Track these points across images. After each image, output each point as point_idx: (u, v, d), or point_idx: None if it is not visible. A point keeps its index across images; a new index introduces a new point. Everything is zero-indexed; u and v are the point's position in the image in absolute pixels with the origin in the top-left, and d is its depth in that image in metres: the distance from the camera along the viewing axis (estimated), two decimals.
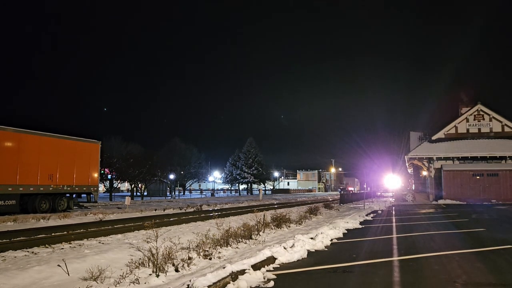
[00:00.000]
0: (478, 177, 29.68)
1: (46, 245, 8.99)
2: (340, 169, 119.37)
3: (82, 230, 11.93)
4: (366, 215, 17.59)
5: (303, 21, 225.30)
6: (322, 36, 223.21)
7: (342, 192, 31.49)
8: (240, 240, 9.18)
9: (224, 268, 5.84)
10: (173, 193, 58.71)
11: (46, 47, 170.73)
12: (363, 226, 13.69)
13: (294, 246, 8.28)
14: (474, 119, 32.67)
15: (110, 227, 12.99)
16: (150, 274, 5.92)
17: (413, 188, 40.77)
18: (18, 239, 10.15)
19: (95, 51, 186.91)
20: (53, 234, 11.14)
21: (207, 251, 7.63)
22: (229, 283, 5.59)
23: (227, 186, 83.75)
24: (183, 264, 6.56)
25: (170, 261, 6.43)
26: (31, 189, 19.01)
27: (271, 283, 5.85)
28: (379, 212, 20.72)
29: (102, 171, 35.83)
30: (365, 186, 37.04)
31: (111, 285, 5.57)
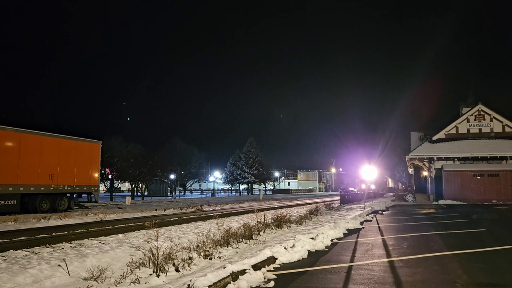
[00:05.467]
0: (478, 177, 29.65)
1: (47, 245, 8.99)
2: (340, 169, 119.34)
3: (82, 230, 11.94)
4: (367, 215, 17.59)
5: (301, 21, 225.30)
6: (322, 36, 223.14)
7: (342, 192, 31.45)
8: (241, 240, 9.18)
9: (224, 268, 5.84)
10: (173, 193, 58.73)
11: (46, 46, 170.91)
12: (364, 226, 13.69)
13: (295, 246, 8.28)
14: (475, 119, 32.62)
15: (110, 227, 13.00)
16: (150, 274, 5.92)
17: (414, 188, 40.75)
18: (19, 239, 10.17)
19: (95, 51, 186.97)
20: (53, 234, 11.16)
21: (208, 251, 7.63)
22: (230, 283, 5.59)
23: (227, 186, 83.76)
24: (184, 264, 6.56)
25: (170, 261, 6.44)
26: (31, 189, 19.02)
27: (272, 283, 5.85)
28: (380, 212, 20.72)
29: (103, 171, 35.86)
30: (365, 186, 36.89)
31: (111, 285, 5.58)
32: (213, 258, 7.39)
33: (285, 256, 7.54)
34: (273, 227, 11.72)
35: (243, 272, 6.02)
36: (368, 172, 23.09)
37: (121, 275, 5.79)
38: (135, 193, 45.83)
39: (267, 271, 6.61)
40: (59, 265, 6.55)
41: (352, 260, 7.61)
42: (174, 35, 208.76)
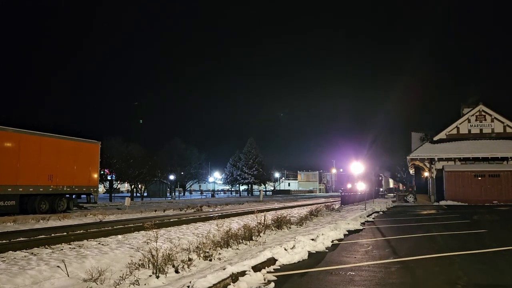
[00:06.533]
0: (479, 178, 29.60)
1: (46, 246, 8.95)
2: (341, 169, 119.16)
3: (82, 231, 11.91)
4: (367, 216, 17.54)
5: (303, 22, 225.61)
6: (322, 36, 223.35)
7: (343, 193, 31.39)
8: (241, 241, 9.14)
9: (224, 269, 5.80)
10: (173, 194, 58.66)
11: (46, 46, 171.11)
12: (364, 227, 13.65)
13: (295, 247, 8.24)
14: (476, 120, 32.57)
15: (110, 228, 12.96)
16: (150, 275, 5.89)
17: (415, 189, 40.68)
18: (17, 240, 10.14)
19: (95, 51, 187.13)
20: (53, 235, 11.11)
21: (207, 252, 7.58)
22: (229, 284, 5.55)
23: (227, 187, 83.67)
24: (183, 265, 6.52)
25: (170, 262, 6.40)
26: (30, 189, 18.98)
27: (272, 285, 5.82)
28: (380, 213, 20.67)
29: (102, 172, 35.81)
30: (365, 186, 36.35)
31: (111, 286, 5.54)
32: (213, 259, 7.35)
33: (285, 257, 7.50)
34: (273, 228, 11.68)
35: (243, 273, 5.98)
36: (356, 169, 22.71)
37: (120, 277, 5.76)
38: (135, 194, 45.76)
39: (267, 272, 6.56)
40: (58, 266, 6.51)
41: (352, 262, 7.56)
42: (175, 35, 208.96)
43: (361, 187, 32.83)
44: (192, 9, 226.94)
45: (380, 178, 46.43)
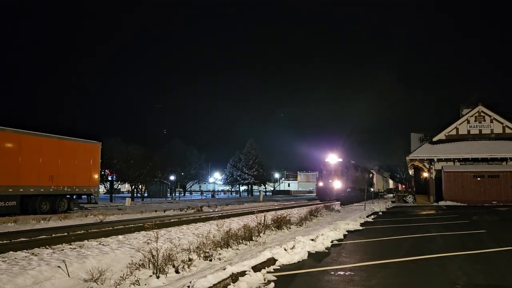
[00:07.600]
0: (479, 179, 29.63)
1: (47, 246, 8.96)
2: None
3: (82, 231, 11.92)
4: (367, 216, 17.57)
5: (302, 21, 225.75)
6: (323, 36, 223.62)
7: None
8: (241, 241, 9.17)
9: (224, 269, 5.84)
10: (173, 194, 58.72)
11: (46, 46, 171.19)
12: (364, 227, 13.68)
13: (295, 247, 8.27)
14: (475, 120, 32.63)
15: (110, 228, 12.97)
16: (150, 276, 5.92)
17: (414, 190, 40.71)
18: (18, 240, 10.15)
19: (95, 51, 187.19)
20: (53, 235, 11.13)
21: (208, 252, 7.62)
22: (229, 284, 5.59)
23: (227, 188, 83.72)
24: (184, 266, 6.56)
25: (170, 263, 6.43)
26: (31, 190, 19.00)
27: (272, 285, 5.85)
28: (380, 213, 20.70)
29: (103, 172, 35.86)
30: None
31: (111, 286, 5.57)
32: (213, 259, 7.38)
33: (285, 257, 7.53)
34: (273, 229, 11.71)
35: (243, 273, 6.01)
36: (332, 158, 21.73)
37: (120, 277, 5.79)
38: (135, 195, 45.79)
39: (267, 272, 6.60)
40: (59, 267, 6.53)
41: (352, 262, 7.60)
42: (174, 35, 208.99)
43: (337, 185, 31.96)
44: (193, 12, 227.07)
45: (371, 175, 44.66)
